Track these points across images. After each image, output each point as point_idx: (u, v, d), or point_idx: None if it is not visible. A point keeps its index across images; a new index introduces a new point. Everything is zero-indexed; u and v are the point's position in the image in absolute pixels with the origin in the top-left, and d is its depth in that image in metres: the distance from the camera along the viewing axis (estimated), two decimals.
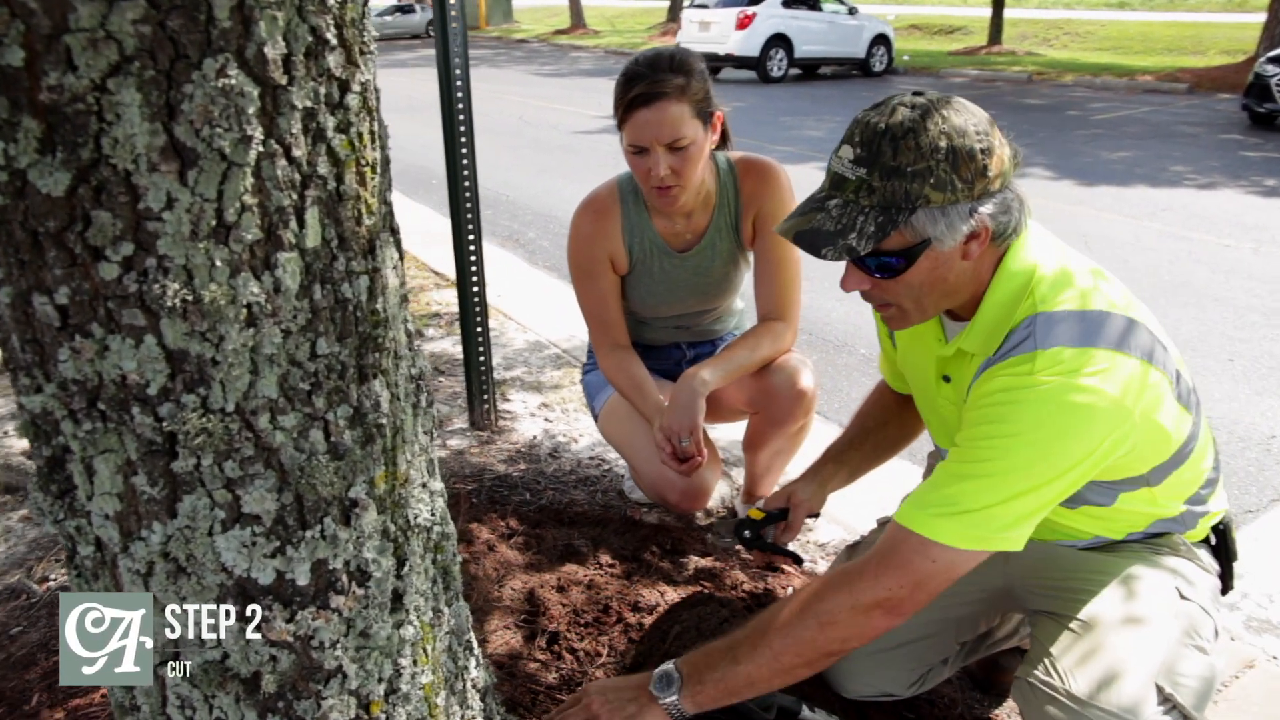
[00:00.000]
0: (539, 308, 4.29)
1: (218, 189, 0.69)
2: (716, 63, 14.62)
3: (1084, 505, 1.39)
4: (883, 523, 1.86)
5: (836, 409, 3.36)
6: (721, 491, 2.67)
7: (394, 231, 0.93)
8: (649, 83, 1.82)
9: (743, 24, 13.71)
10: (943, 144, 1.14)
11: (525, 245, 5.66)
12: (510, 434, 3.03)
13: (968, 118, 1.17)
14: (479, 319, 2.92)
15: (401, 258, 0.95)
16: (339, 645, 0.87)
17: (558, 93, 13.64)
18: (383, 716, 0.95)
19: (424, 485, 0.99)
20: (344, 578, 0.85)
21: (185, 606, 0.81)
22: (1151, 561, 1.41)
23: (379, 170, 0.84)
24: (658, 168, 1.86)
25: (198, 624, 0.82)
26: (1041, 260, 1.28)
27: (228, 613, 0.82)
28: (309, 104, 0.72)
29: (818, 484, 1.77)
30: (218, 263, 0.70)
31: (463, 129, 2.69)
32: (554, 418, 3.18)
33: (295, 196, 0.73)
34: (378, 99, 0.88)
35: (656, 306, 2.25)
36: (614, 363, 2.25)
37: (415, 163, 8.13)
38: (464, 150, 2.73)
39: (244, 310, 0.72)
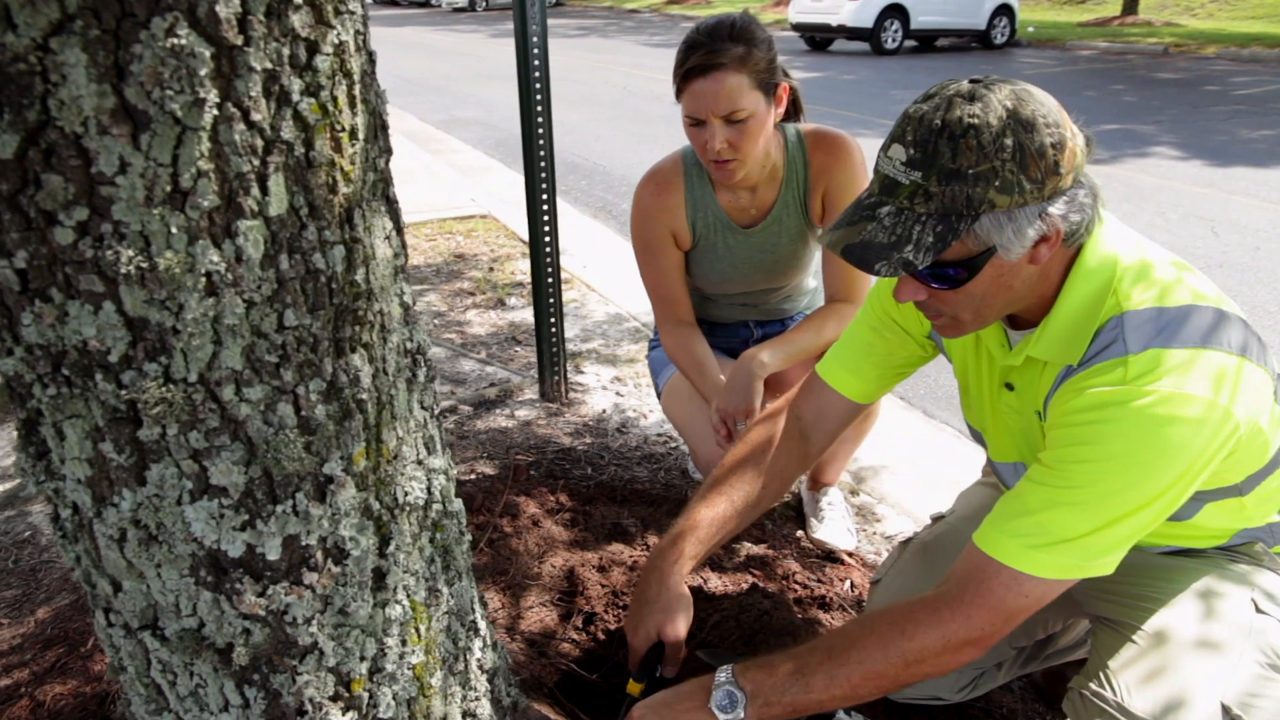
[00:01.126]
0: (623, 280, 4.25)
1: (172, 153, 0.66)
2: (828, 34, 14.17)
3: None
4: (936, 519, 1.75)
5: (920, 393, 3.22)
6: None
7: (389, 200, 0.90)
8: (706, 52, 1.74)
9: None
10: (1008, 141, 1.01)
11: (617, 217, 5.62)
12: (580, 407, 3.02)
13: (1036, 108, 1.03)
14: (551, 290, 2.90)
15: (399, 228, 0.92)
16: (314, 622, 0.86)
17: (664, 64, 13.46)
18: (365, 695, 0.93)
19: (419, 462, 0.96)
20: (318, 555, 0.84)
21: (161, 574, 0.81)
22: (1226, 570, 1.28)
23: (364, 136, 0.81)
24: (714, 141, 1.78)
25: (175, 592, 0.82)
26: (1122, 253, 1.15)
27: (202, 582, 0.81)
28: (269, 66, 0.69)
29: (682, 592, 1.44)
30: (174, 229, 0.68)
31: (539, 96, 2.66)
32: (626, 392, 3.15)
33: (256, 162, 0.70)
34: (370, 61, 0.84)
35: (721, 284, 2.18)
36: (676, 340, 2.20)
37: (515, 131, 8.21)
38: (539, 119, 2.71)
39: (203, 279, 0.70)
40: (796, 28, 14.68)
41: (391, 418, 0.90)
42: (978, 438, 1.48)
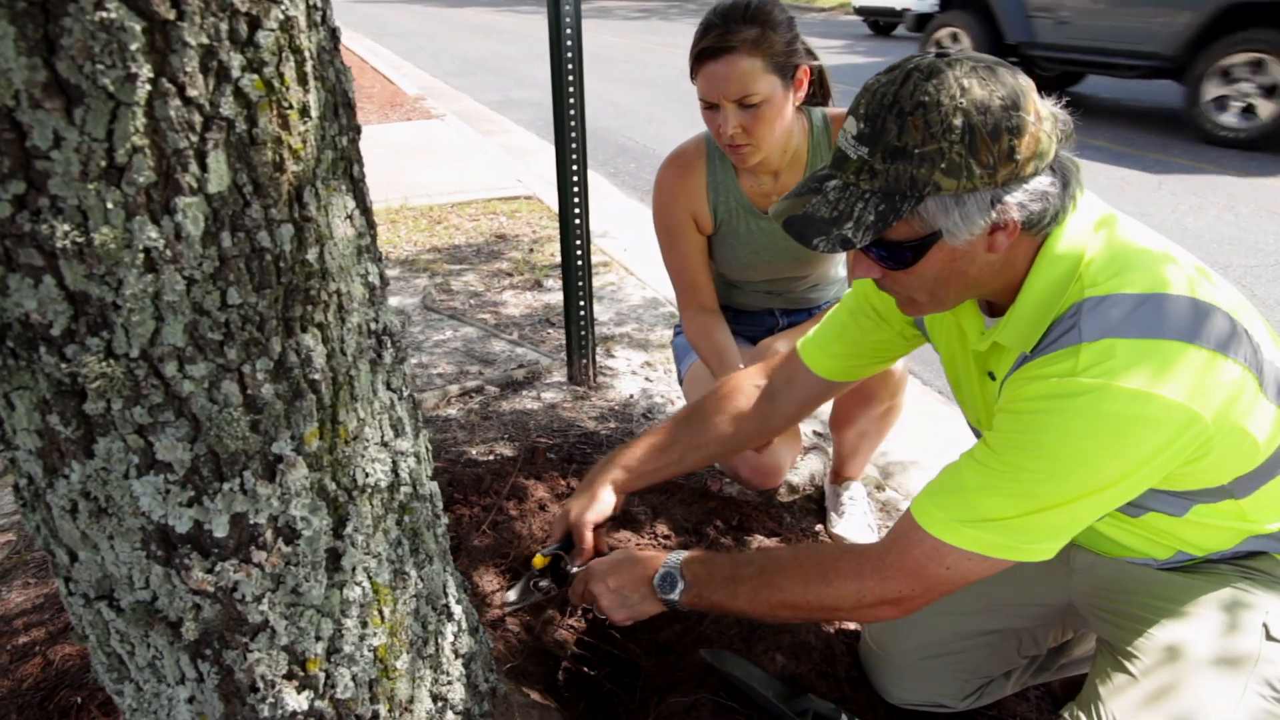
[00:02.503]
0: (662, 265, 4.22)
1: (106, 128, 0.66)
2: (893, 18, 13.82)
3: (1150, 513, 1.20)
4: None
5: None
6: (813, 468, 2.55)
7: (354, 180, 0.89)
8: (720, 34, 1.70)
9: None
10: (958, 122, 0.96)
11: None
12: (607, 391, 3.01)
13: (994, 89, 0.97)
14: (581, 272, 2.89)
15: (364, 208, 0.91)
16: (265, 600, 0.86)
17: None
18: (322, 675, 0.93)
19: (384, 444, 0.96)
20: (268, 534, 0.84)
21: (114, 546, 0.82)
22: (1237, 588, 1.21)
23: (319, 114, 0.80)
24: (726, 125, 1.75)
25: (128, 564, 0.83)
26: (1099, 240, 1.09)
27: (153, 556, 0.82)
28: (206, 41, 0.68)
29: (597, 487, 1.51)
30: (110, 205, 0.68)
31: (570, 75, 2.63)
32: (655, 378, 3.13)
33: (194, 138, 0.69)
34: (331, 38, 0.83)
35: (744, 270, 2.14)
36: (697, 326, 2.17)
37: None
38: (571, 99, 2.68)
39: (141, 255, 0.70)
40: (859, 11, 14.37)
41: (351, 398, 0.90)
42: (976, 432, 1.43)
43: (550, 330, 3.48)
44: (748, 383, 1.59)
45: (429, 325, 3.50)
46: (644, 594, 1.31)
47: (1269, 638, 1.14)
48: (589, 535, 1.47)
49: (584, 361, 3.01)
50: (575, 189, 2.79)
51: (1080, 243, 1.08)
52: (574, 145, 2.73)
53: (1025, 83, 1.01)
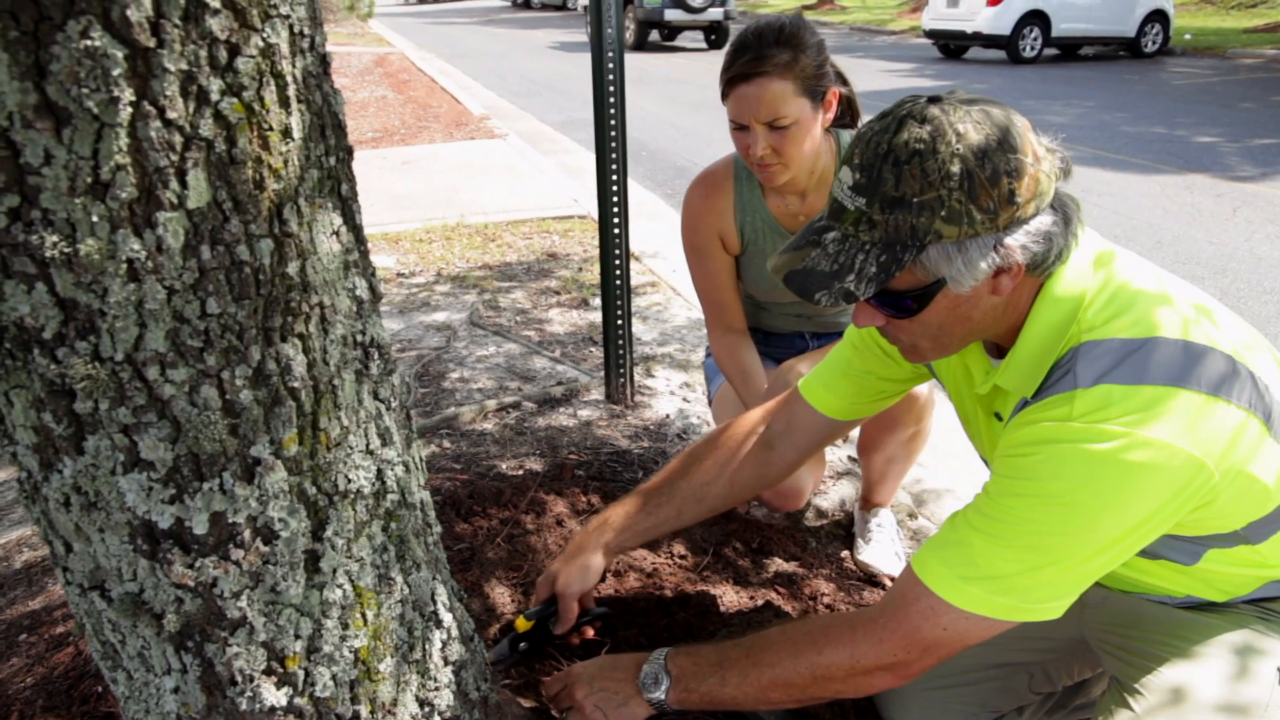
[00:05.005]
0: None
1: (92, 147, 0.71)
2: (963, 41, 13.67)
3: (1162, 560, 1.17)
4: None
5: None
6: (844, 494, 2.52)
7: (342, 198, 0.93)
8: (751, 58, 1.72)
9: (995, 0, 12.69)
10: (955, 169, 0.95)
11: None
12: (644, 410, 3.03)
13: (990, 132, 0.97)
14: (620, 292, 2.92)
15: (353, 225, 0.95)
16: (244, 597, 0.90)
17: None
18: (301, 672, 0.97)
19: (369, 452, 0.99)
20: (246, 533, 0.88)
21: (105, 539, 0.87)
22: (1254, 631, 1.17)
23: (302, 135, 0.84)
24: (755, 146, 1.77)
25: (118, 557, 0.88)
26: (1098, 280, 1.07)
27: (139, 550, 0.86)
28: (185, 67, 0.72)
29: (586, 555, 1.51)
30: (96, 218, 0.73)
31: (612, 94, 2.67)
32: (693, 398, 3.13)
33: (175, 157, 0.74)
34: (320, 64, 0.88)
35: (771, 291, 2.15)
36: (724, 347, 2.19)
37: (630, 134, 8.30)
38: (613, 123, 2.73)
39: (125, 265, 0.75)
40: (930, 34, 14.24)
41: (334, 406, 0.93)
42: (989, 466, 1.41)
43: (593, 349, 3.51)
44: (744, 430, 1.55)
45: (473, 341, 3.57)
46: (628, 694, 1.26)
47: None
48: (573, 607, 1.47)
49: (621, 380, 3.03)
50: (615, 207, 2.83)
51: (1080, 284, 1.07)
52: (614, 164, 2.77)
53: (1020, 122, 1.01)
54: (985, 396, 1.23)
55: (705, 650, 1.26)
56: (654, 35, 15.95)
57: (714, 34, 15.71)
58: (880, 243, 1.00)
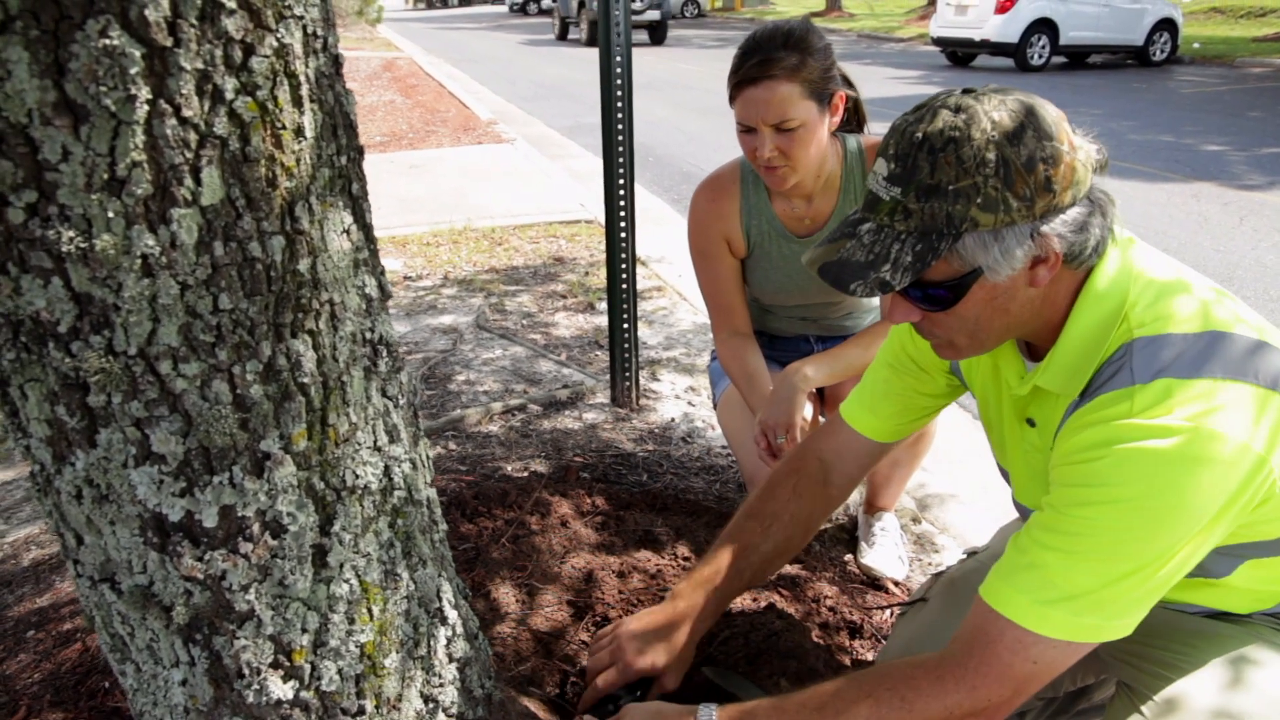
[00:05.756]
0: None
1: (109, 144, 0.72)
2: (971, 49, 13.67)
3: (1192, 576, 1.16)
4: (970, 553, 1.66)
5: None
6: (849, 498, 2.52)
7: (353, 197, 0.94)
8: (760, 61, 1.73)
9: (1003, 7, 12.67)
10: (991, 155, 0.95)
11: None
12: (649, 414, 3.03)
13: (1026, 120, 0.96)
14: (625, 295, 2.93)
15: (363, 224, 0.97)
16: (252, 590, 0.91)
17: None
18: (307, 666, 0.98)
19: (376, 449, 1.00)
20: (255, 526, 0.89)
21: (116, 531, 0.88)
22: (1271, 644, 1.15)
23: (315, 134, 0.85)
24: (763, 149, 1.78)
25: (128, 549, 0.89)
26: (1140, 275, 1.06)
27: (149, 542, 0.87)
28: (201, 66, 0.74)
29: (688, 635, 1.41)
30: (112, 214, 0.74)
31: (620, 100, 2.69)
32: (698, 402, 3.14)
33: (190, 155, 0.75)
34: (333, 64, 0.89)
35: (776, 294, 2.15)
36: (729, 350, 2.19)
37: (638, 139, 8.33)
38: (620, 128, 2.74)
39: (139, 260, 0.76)
40: (938, 42, 14.24)
41: (343, 403, 0.95)
42: (1005, 477, 1.40)
43: (598, 352, 3.52)
44: (796, 474, 1.52)
45: (480, 344, 3.58)
46: None
47: None
48: (676, 680, 1.41)
49: (627, 384, 3.04)
50: (622, 212, 2.84)
51: (1124, 279, 1.05)
52: (621, 168, 2.79)
53: (1056, 112, 1.00)
54: (1020, 399, 1.20)
55: (760, 711, 1.17)
56: None
57: (654, 30, 19.38)
58: (916, 231, 0.99)
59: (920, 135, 0.98)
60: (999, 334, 1.10)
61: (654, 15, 18.79)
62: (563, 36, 20.09)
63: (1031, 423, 1.21)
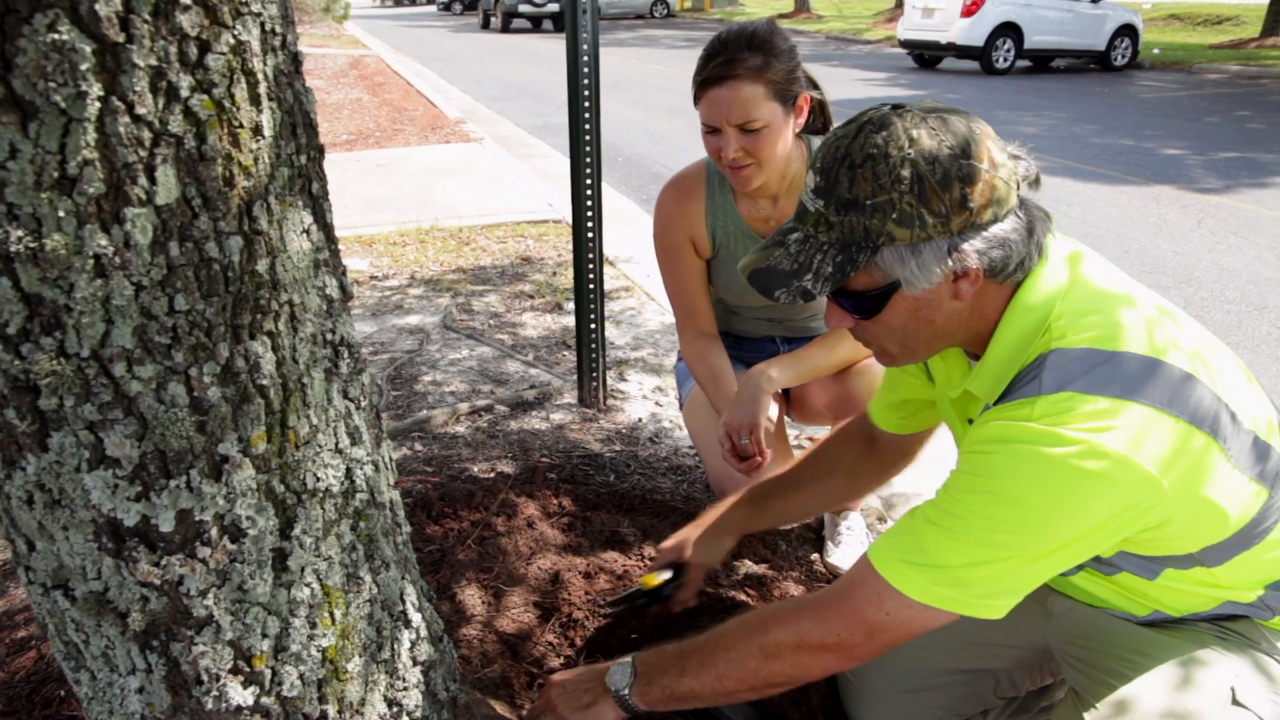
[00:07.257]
0: None
1: (59, 141, 0.71)
2: (938, 52, 13.83)
3: (1123, 574, 1.19)
4: None
5: None
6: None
7: (313, 196, 0.93)
8: (724, 61, 1.74)
9: (969, 11, 12.82)
10: (905, 173, 0.98)
11: None
12: (616, 414, 3.03)
13: (944, 138, 0.99)
14: (593, 296, 2.93)
15: (324, 224, 0.95)
16: (210, 595, 0.89)
17: None
18: (268, 672, 0.96)
19: (338, 451, 0.99)
20: (213, 530, 0.87)
21: (69, 537, 0.86)
22: (1212, 650, 1.18)
23: (273, 133, 0.84)
24: (727, 149, 1.78)
25: (81, 555, 0.87)
26: (1077, 290, 1.09)
27: (104, 548, 0.86)
28: (155, 63, 0.73)
29: (722, 533, 1.63)
30: (62, 213, 0.73)
31: (587, 99, 2.68)
32: (665, 402, 3.14)
33: (143, 153, 0.74)
34: (291, 62, 0.88)
35: (742, 295, 2.16)
36: (694, 350, 2.19)
37: (607, 139, 8.32)
38: (587, 127, 2.74)
39: (92, 261, 0.75)
40: (904, 44, 14.39)
41: (303, 405, 0.93)
42: None
43: (566, 352, 3.51)
44: (852, 442, 1.62)
45: (446, 344, 3.56)
46: (597, 694, 1.28)
47: (1234, 702, 1.11)
48: (700, 578, 1.60)
49: (594, 384, 3.04)
50: (590, 212, 2.83)
51: (1053, 293, 1.08)
52: (589, 168, 2.78)
53: (980, 130, 1.03)
54: (958, 401, 1.24)
55: (670, 646, 1.28)
56: (517, 23, 23.26)
57: (559, 20, 20.66)
58: (837, 243, 1.03)
59: (843, 151, 1.02)
60: (928, 343, 1.14)
61: (554, 8, 21.23)
62: (485, 25, 24.03)
63: (970, 422, 1.24)
